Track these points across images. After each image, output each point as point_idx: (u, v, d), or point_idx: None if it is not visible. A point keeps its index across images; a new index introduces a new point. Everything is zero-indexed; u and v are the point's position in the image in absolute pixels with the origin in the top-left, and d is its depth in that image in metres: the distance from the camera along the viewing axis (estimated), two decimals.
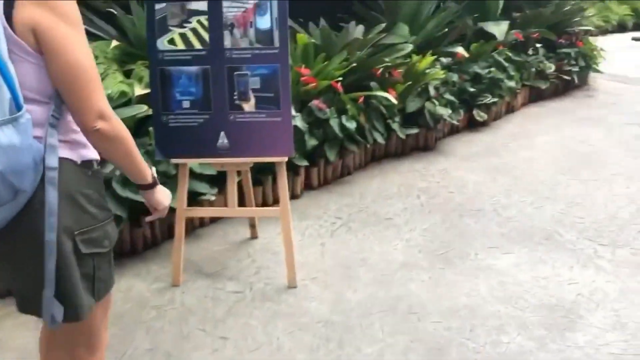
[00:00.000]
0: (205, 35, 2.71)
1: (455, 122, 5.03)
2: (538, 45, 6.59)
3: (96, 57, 3.36)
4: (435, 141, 5.00)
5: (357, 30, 4.97)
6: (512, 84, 5.73)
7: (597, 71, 7.22)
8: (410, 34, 5.17)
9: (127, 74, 3.35)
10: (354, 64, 4.23)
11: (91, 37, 3.59)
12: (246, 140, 2.76)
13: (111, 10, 3.49)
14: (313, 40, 4.49)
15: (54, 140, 1.33)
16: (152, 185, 1.57)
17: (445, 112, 4.79)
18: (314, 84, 4.08)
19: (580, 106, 6.38)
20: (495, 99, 5.53)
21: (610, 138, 5.23)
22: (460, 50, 5.46)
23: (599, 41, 8.12)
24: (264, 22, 2.70)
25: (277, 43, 2.71)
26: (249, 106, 2.74)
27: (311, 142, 3.93)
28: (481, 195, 3.96)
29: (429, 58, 4.84)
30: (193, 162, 3.06)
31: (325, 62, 4.21)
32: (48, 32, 1.27)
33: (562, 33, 7.00)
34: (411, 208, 3.77)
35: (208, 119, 2.75)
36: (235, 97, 2.73)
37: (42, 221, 1.30)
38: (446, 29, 5.41)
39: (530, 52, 6.47)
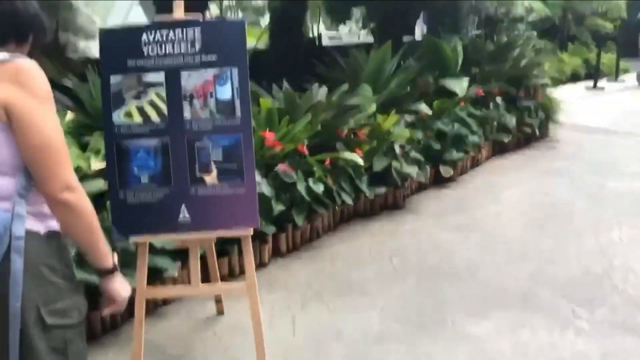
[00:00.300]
0: (164, 107, 2.61)
1: (422, 179, 5.01)
2: (498, 99, 6.72)
3: None
4: (404, 199, 4.95)
5: (320, 92, 4.98)
6: (475, 138, 5.79)
7: (557, 122, 7.40)
8: (373, 94, 5.20)
9: (84, 147, 3.22)
10: (319, 127, 4.19)
11: None
12: (209, 214, 2.63)
13: (66, 84, 3.38)
14: (277, 105, 4.46)
15: (22, 210, 1.36)
16: (111, 272, 1.54)
17: (412, 170, 4.77)
18: (280, 148, 4.02)
19: (543, 158, 6.48)
20: (461, 154, 5.56)
21: (575, 189, 5.27)
22: (423, 108, 5.52)
23: (555, 92, 8.36)
24: (225, 91, 2.63)
25: (238, 113, 2.63)
26: (211, 178, 2.63)
27: (278, 207, 3.82)
28: (454, 256, 3.88)
29: (393, 117, 4.85)
30: (153, 240, 2.90)
31: (290, 125, 4.16)
32: (19, 109, 1.32)
33: (521, 87, 7.19)
34: (384, 273, 3.65)
35: (168, 193, 2.61)
36: (196, 170, 2.62)
37: (7, 290, 1.31)
38: (408, 88, 5.46)
39: (491, 106, 6.59)
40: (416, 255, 3.92)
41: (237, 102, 2.64)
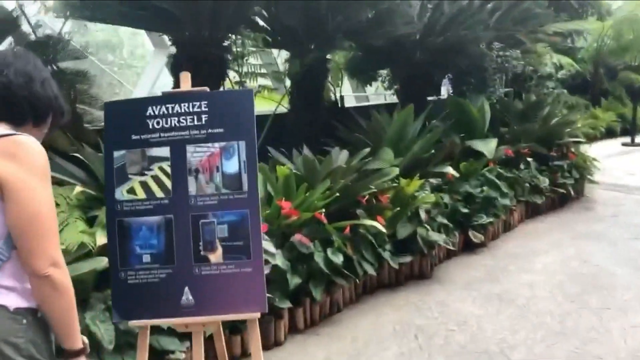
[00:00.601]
0: (168, 183, 2.49)
1: (450, 247, 4.76)
2: (529, 159, 6.49)
3: (57, 205, 3.15)
4: (431, 268, 4.69)
5: (341, 156, 4.85)
6: (506, 201, 5.53)
7: (593, 182, 7.08)
8: (396, 157, 5.04)
9: (92, 221, 3.11)
10: (337, 194, 4.03)
11: (56, 183, 3.41)
12: (213, 296, 2.45)
13: (77, 155, 3.33)
14: (295, 171, 4.33)
15: None
16: (79, 354, 1.50)
17: (439, 237, 4.53)
18: (296, 217, 3.86)
19: (579, 220, 6.15)
20: (491, 219, 5.30)
21: (616, 255, 4.93)
22: (449, 170, 5.32)
23: (589, 149, 8.07)
24: (231, 165, 2.50)
25: (245, 187, 2.49)
26: (215, 257, 2.46)
27: (294, 281, 3.62)
28: (484, 333, 3.58)
29: (417, 181, 4.67)
30: (154, 324, 2.72)
31: (308, 192, 4.01)
32: (12, 182, 1.34)
33: (553, 145, 6.94)
34: (409, 353, 3.38)
35: (171, 273, 2.45)
36: (200, 248, 2.46)
37: None
38: (432, 150, 5.29)
39: (522, 166, 6.35)
40: (443, 332, 3.63)
41: (245, 176, 2.51)
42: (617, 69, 15.18)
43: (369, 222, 4.15)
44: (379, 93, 10.45)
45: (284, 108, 5.53)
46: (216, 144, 2.50)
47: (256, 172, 2.52)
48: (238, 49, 4.67)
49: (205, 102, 2.51)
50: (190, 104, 2.51)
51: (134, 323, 2.51)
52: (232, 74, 4.94)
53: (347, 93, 11.71)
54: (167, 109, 2.52)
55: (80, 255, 2.86)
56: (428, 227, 4.55)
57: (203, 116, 2.51)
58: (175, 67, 4.32)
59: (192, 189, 2.50)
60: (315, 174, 4.39)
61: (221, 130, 2.50)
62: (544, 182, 6.32)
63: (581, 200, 6.94)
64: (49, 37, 3.75)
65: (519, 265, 4.80)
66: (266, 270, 3.46)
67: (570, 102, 11.67)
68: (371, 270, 4.14)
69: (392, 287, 4.41)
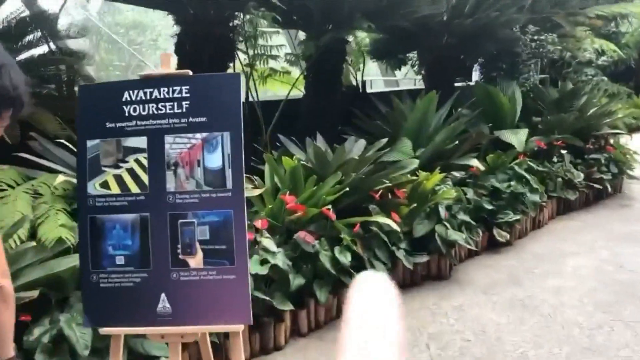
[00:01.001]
0: (144, 177, 2.23)
1: (471, 246, 4.42)
2: (563, 151, 6.05)
3: (40, 195, 2.94)
4: (450, 268, 4.36)
5: (357, 146, 4.55)
6: (536, 197, 5.14)
7: (633, 177, 6.59)
8: (416, 147, 4.70)
9: (75, 214, 2.89)
10: (347, 188, 3.73)
11: (46, 170, 3.20)
12: (192, 305, 2.20)
13: (61, 140, 3.11)
14: (303, 162, 4.05)
15: None
16: None
17: (459, 236, 4.19)
18: (302, 212, 3.58)
19: (616, 219, 5.71)
20: (518, 216, 4.92)
21: None
22: (474, 163, 4.95)
23: (630, 141, 7.53)
24: (215, 159, 2.22)
25: (229, 185, 2.21)
26: (195, 262, 2.20)
27: (297, 281, 3.36)
28: (504, 345, 3.26)
29: (438, 175, 4.33)
30: (129, 333, 2.49)
31: (316, 187, 3.73)
32: None
33: (590, 137, 6.48)
34: None
35: (146, 277, 2.20)
36: (178, 251, 2.21)
37: None
38: (456, 141, 4.92)
39: (555, 159, 5.92)
40: (458, 342, 3.32)
41: (229, 172, 2.23)
42: None
43: (380, 219, 3.84)
44: (410, 78, 10.00)
45: (300, 92, 5.23)
46: (198, 135, 2.23)
47: (242, 167, 2.24)
48: (248, 30, 4.38)
49: (187, 87, 2.23)
50: (170, 89, 2.24)
51: (105, 331, 2.27)
52: (243, 57, 4.66)
53: (375, 77, 11.30)
54: (145, 94, 2.25)
55: (60, 252, 2.65)
56: (448, 224, 4.21)
57: (184, 103, 2.23)
58: (179, 48, 4.06)
59: (170, 184, 2.24)
60: (326, 165, 4.11)
61: (204, 119, 2.23)
62: (578, 176, 5.89)
63: (618, 196, 6.47)
64: (42, 12, 3.53)
65: (546, 267, 4.43)
66: (265, 270, 3.21)
67: (611, 90, 11.05)
68: (383, 271, 3.84)
69: (406, 288, 4.10)
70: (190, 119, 2.23)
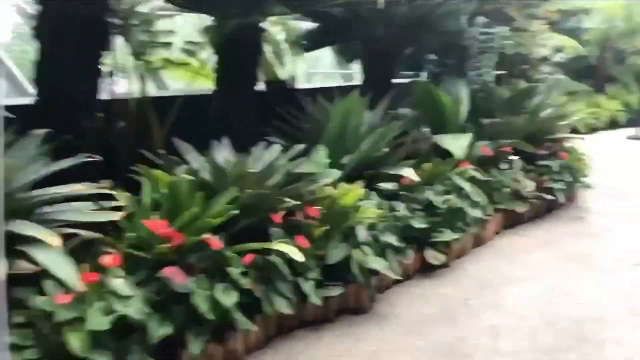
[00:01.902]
0: None
1: (395, 275, 3.76)
2: (513, 158, 5.46)
3: None
4: (372, 299, 3.71)
5: (268, 153, 3.86)
6: (477, 213, 4.52)
7: (587, 186, 6.06)
8: (339, 155, 4.02)
9: None
10: (236, 211, 3.03)
11: None
12: None
13: None
14: (198, 175, 3.33)
15: None
16: None
17: (379, 264, 3.54)
18: (178, 242, 2.87)
19: (568, 234, 5.15)
20: (456, 235, 4.30)
21: (609, 290, 3.94)
22: (407, 172, 4.30)
23: (588, 143, 6.99)
24: None
25: None
26: None
27: (162, 331, 2.65)
28: None
29: (357, 189, 3.66)
30: None
31: (199, 208, 3.02)
32: None
33: (543, 141, 5.92)
34: None
35: None
36: None
37: None
38: (386, 148, 4.26)
39: (503, 167, 5.32)
40: None
41: None
42: (626, 53, 13.98)
43: (281, 246, 3.16)
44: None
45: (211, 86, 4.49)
46: None
47: None
48: (125, 10, 3.63)
49: None
50: None
51: None
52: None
53: (325, 70, 10.55)
54: None
55: None
56: (367, 249, 3.56)
57: None
58: (40, 32, 3.28)
59: None
60: (223, 179, 3.40)
61: None
62: (527, 186, 5.30)
63: (572, 208, 5.92)
64: None
65: (484, 299, 3.81)
66: (105, 325, 2.48)
67: (570, 88, 10.60)
68: (285, 309, 3.17)
69: (317, 326, 3.43)
70: None
